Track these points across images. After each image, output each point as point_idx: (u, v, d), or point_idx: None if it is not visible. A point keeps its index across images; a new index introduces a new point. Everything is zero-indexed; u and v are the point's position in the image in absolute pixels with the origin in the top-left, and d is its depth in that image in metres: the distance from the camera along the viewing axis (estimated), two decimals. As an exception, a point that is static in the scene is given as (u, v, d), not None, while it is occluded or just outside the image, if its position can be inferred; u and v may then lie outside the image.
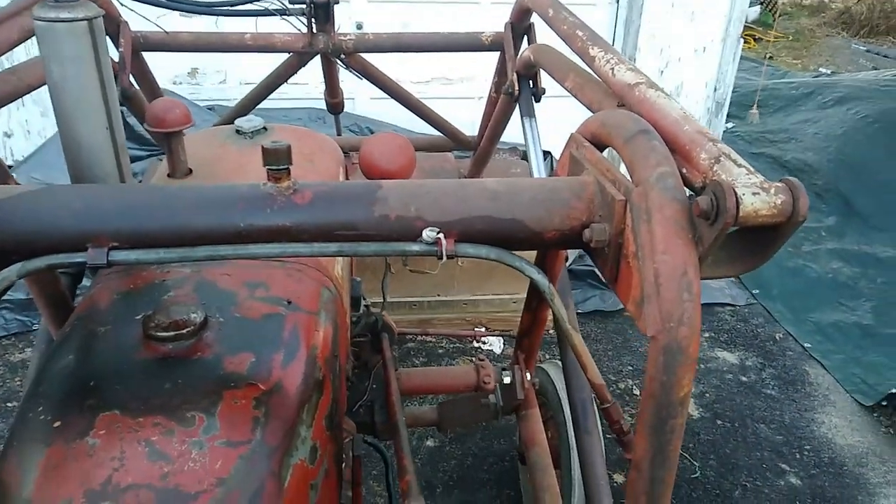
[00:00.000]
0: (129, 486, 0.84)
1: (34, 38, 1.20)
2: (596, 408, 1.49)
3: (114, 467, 0.85)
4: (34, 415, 0.92)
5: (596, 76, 1.38)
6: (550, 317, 1.73)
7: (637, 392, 3.07)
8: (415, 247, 0.98)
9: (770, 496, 2.59)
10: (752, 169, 0.88)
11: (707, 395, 3.10)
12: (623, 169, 1.01)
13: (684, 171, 0.96)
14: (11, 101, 1.46)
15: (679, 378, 0.87)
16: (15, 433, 0.91)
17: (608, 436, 1.58)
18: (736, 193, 0.81)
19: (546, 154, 3.44)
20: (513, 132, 2.54)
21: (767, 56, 7.49)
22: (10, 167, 3.94)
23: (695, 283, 0.86)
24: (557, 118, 2.70)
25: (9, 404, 2.80)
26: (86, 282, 1.48)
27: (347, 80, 2.77)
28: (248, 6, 2.21)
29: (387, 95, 2.64)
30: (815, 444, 2.87)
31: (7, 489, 0.85)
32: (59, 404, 0.93)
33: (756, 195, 0.82)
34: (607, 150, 1.11)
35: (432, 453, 2.69)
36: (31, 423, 0.91)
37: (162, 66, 2.65)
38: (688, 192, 0.93)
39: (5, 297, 3.17)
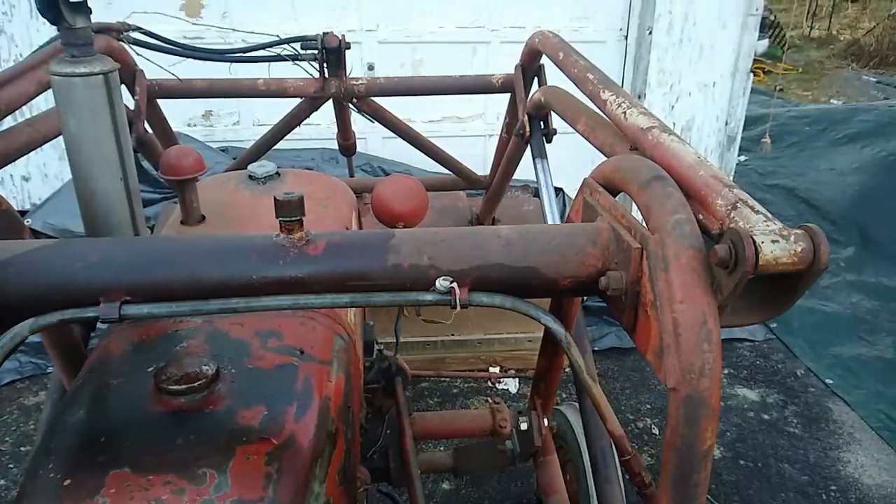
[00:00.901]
0: None
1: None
2: (616, 456, 1.46)
3: None
4: (44, 472, 0.91)
5: (608, 119, 1.37)
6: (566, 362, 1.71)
7: (656, 431, 3.00)
8: (428, 296, 0.97)
9: (797, 540, 2.52)
10: (769, 215, 0.87)
11: (728, 433, 3.02)
12: (636, 213, 1.00)
13: (700, 217, 0.95)
14: (29, 152, 1.48)
15: (702, 430, 0.85)
16: (25, 491, 0.89)
17: (626, 477, 1.54)
18: (754, 241, 0.80)
19: (558, 191, 3.45)
20: (525, 169, 2.54)
21: (777, 88, 7.52)
22: (27, 211, 3.99)
23: (714, 332, 0.84)
24: (570, 154, 2.70)
25: (22, 448, 2.79)
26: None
27: (359, 120, 2.80)
28: (261, 53, 2.24)
29: (398, 137, 2.66)
30: (841, 484, 2.78)
31: None
32: (69, 461, 0.92)
33: (775, 243, 0.81)
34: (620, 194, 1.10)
35: (448, 496, 2.63)
36: (41, 480, 0.90)
37: (176, 109, 2.69)
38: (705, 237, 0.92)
39: (21, 341, 3.19)
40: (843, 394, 3.30)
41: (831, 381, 3.39)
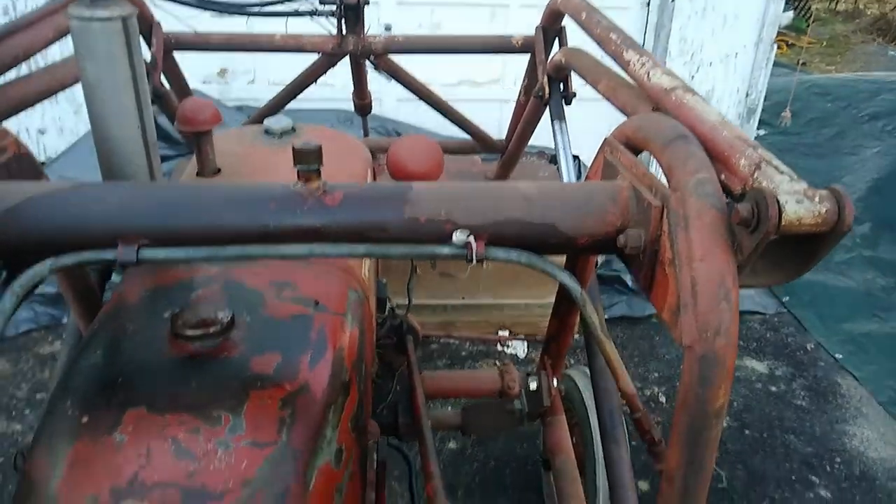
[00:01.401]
0: (155, 484, 0.84)
1: (68, 39, 1.21)
2: (623, 416, 1.47)
3: (140, 464, 0.85)
4: (62, 409, 0.92)
5: (630, 80, 1.35)
6: (578, 322, 1.71)
7: (663, 399, 3.02)
8: (444, 249, 0.97)
9: (799, 509, 2.54)
10: (794, 175, 0.86)
11: (735, 403, 3.04)
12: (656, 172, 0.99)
13: (723, 177, 0.94)
14: (45, 98, 1.47)
15: (715, 389, 0.85)
16: (43, 428, 0.91)
17: (632, 442, 1.55)
18: (778, 201, 0.79)
19: (574, 158, 3.41)
20: (540, 136, 2.52)
21: (800, 62, 7.36)
22: (42, 164, 4.01)
23: (733, 292, 0.84)
24: (585, 123, 2.67)
25: (38, 395, 2.85)
26: (115, 278, 1.50)
27: (375, 82, 2.77)
28: (279, 7, 2.22)
29: (414, 97, 2.63)
30: (846, 456, 2.80)
31: (34, 483, 0.85)
32: (86, 400, 0.93)
33: (799, 203, 0.80)
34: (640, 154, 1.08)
35: (454, 456, 2.67)
36: (58, 417, 0.91)
37: (192, 66, 2.68)
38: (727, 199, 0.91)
39: (36, 291, 3.22)
40: (853, 369, 3.31)
41: (841, 356, 3.39)
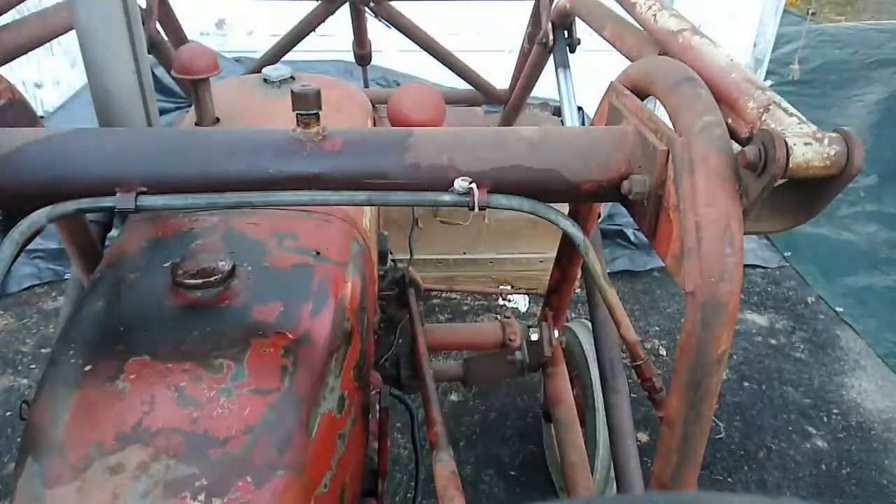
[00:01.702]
0: (159, 430, 0.84)
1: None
2: (623, 366, 1.48)
3: (144, 411, 0.86)
4: (65, 358, 0.93)
5: (636, 24, 1.32)
6: (579, 275, 1.70)
7: (664, 352, 3.04)
8: (446, 197, 0.96)
9: (795, 458, 2.57)
10: (803, 118, 0.84)
11: (735, 356, 3.06)
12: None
13: (730, 121, 0.92)
14: (39, 45, 1.44)
15: (717, 335, 0.84)
16: (46, 376, 0.92)
17: (632, 394, 1.56)
18: (786, 143, 0.77)
19: (578, 109, 3.37)
20: (543, 87, 2.47)
21: (810, 12, 7.19)
22: (41, 118, 3.98)
23: (738, 237, 0.83)
24: (590, 74, 2.62)
25: (42, 350, 2.87)
26: (114, 232, 1.49)
27: (375, 31, 2.71)
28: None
29: (415, 47, 2.58)
30: (843, 407, 2.83)
31: (39, 431, 0.86)
32: (89, 348, 0.94)
33: (808, 145, 0.78)
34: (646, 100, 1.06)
35: (456, 408, 2.70)
36: (62, 366, 0.92)
37: (189, 17, 2.62)
38: (734, 144, 0.89)
39: (38, 247, 3.23)
40: (853, 322, 3.32)
41: (841, 310, 3.40)
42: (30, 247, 1.05)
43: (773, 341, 3.18)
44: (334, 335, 1.02)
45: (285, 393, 0.91)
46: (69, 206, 0.92)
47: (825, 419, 2.77)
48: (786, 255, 3.78)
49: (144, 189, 0.93)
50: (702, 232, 0.83)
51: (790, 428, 2.71)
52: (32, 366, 2.79)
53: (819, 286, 3.56)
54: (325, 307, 1.05)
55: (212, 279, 1.02)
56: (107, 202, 0.92)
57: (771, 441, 2.64)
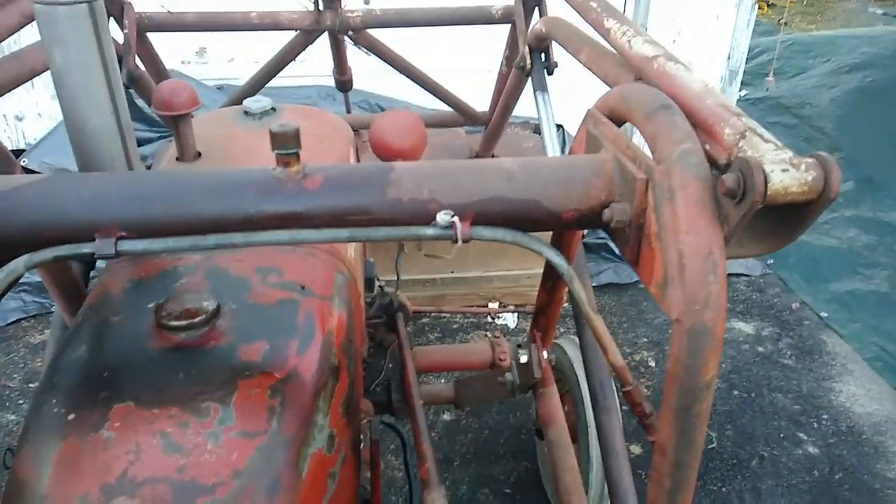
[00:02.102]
0: (145, 480, 0.83)
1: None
2: (615, 385, 1.48)
3: (129, 461, 0.85)
4: (48, 407, 0.91)
5: (612, 49, 1.33)
6: (566, 293, 1.71)
7: (653, 364, 3.05)
8: (429, 231, 0.96)
9: (788, 465, 2.58)
10: (780, 144, 0.85)
11: (723, 365, 3.07)
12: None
13: (708, 147, 0.93)
14: (15, 87, 1.44)
15: (705, 361, 0.85)
16: (29, 427, 0.90)
17: (624, 407, 1.56)
18: (764, 171, 0.78)
19: (558, 127, 3.39)
20: (524, 106, 2.49)
21: (782, 22, 7.31)
22: (21, 151, 3.93)
23: (720, 264, 0.84)
24: (569, 91, 2.64)
25: (30, 385, 2.84)
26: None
27: (356, 56, 2.72)
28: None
29: (396, 71, 2.59)
30: (832, 412, 2.84)
31: (23, 484, 0.84)
32: (72, 397, 0.92)
33: (785, 172, 0.79)
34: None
35: (449, 427, 2.69)
36: (45, 416, 0.90)
37: (169, 46, 2.62)
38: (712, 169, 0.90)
39: (24, 280, 3.19)
40: (838, 327, 3.35)
41: (826, 315, 3.43)
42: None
43: (761, 349, 3.20)
44: (322, 372, 1.02)
45: (273, 435, 0.90)
46: (48, 253, 0.91)
47: (815, 425, 2.78)
48: (769, 262, 3.81)
49: (124, 234, 0.92)
50: (684, 260, 0.83)
51: (781, 435, 2.72)
52: (20, 401, 2.75)
53: (803, 292, 3.60)
54: (312, 344, 1.04)
55: (196, 320, 1.01)
56: (86, 248, 0.91)
57: (763, 449, 2.65)
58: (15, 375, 2.89)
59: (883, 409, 2.87)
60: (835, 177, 0.79)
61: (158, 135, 3.54)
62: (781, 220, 0.87)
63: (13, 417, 2.67)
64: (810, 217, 0.83)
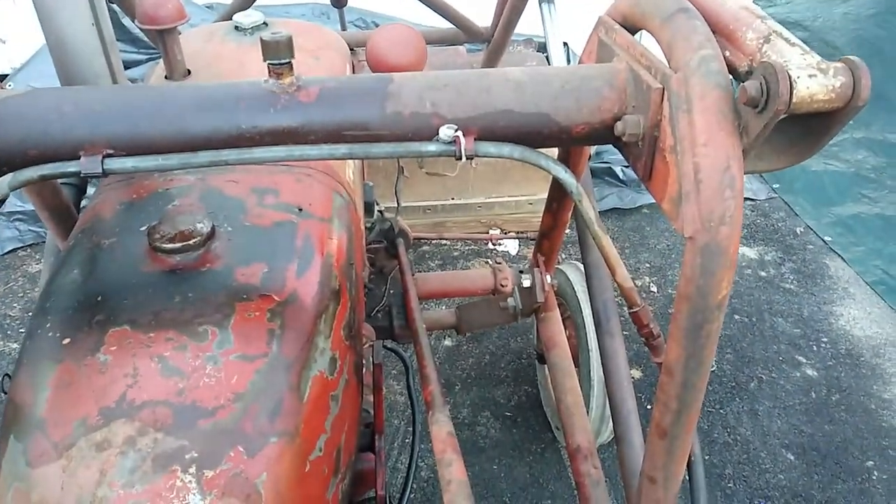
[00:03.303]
0: (144, 403, 0.82)
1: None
2: (617, 308, 1.46)
3: (127, 384, 0.83)
4: (42, 332, 0.89)
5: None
6: (570, 217, 1.67)
7: (655, 289, 3.04)
8: (431, 147, 0.91)
9: (785, 387, 2.61)
10: (806, 48, 0.79)
11: (725, 290, 3.07)
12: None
13: (728, 53, 0.87)
14: None
15: (718, 281, 0.82)
16: (24, 352, 0.88)
17: (625, 332, 1.55)
18: (790, 76, 0.73)
19: (563, 45, 3.27)
20: (527, 23, 2.39)
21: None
22: (6, 76, 3.81)
23: (738, 178, 0.79)
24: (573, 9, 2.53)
25: (30, 314, 2.83)
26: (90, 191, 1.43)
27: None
28: None
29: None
30: (832, 336, 2.86)
31: (20, 409, 0.83)
32: (67, 321, 0.90)
33: (812, 77, 0.74)
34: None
35: (450, 352, 2.71)
36: (39, 340, 0.88)
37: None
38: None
39: (17, 209, 3.15)
40: (841, 251, 3.32)
41: (830, 239, 3.40)
42: (9, 209, 1.00)
43: (763, 273, 3.19)
44: (322, 295, 0.99)
45: (274, 358, 0.88)
46: (31, 172, 0.87)
47: (815, 348, 2.80)
48: (774, 186, 3.76)
49: (111, 151, 0.88)
50: (700, 174, 0.79)
51: (780, 358, 2.74)
52: (21, 330, 2.76)
53: (807, 216, 3.56)
54: (311, 266, 1.01)
55: (191, 242, 0.98)
56: (71, 167, 0.87)
57: (762, 372, 2.68)
58: (15, 305, 2.89)
59: (883, 332, 2.88)
60: (864, 83, 0.74)
61: (147, 56, 3.43)
62: (803, 131, 0.83)
63: (15, 346, 2.69)
64: (835, 127, 0.79)
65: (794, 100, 0.73)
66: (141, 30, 1.41)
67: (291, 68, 0.90)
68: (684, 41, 0.84)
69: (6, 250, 3.14)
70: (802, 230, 3.48)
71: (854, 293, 3.09)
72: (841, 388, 2.62)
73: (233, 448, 0.80)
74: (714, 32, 0.87)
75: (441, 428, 1.31)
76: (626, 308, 1.23)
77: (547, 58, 1.92)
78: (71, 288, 0.95)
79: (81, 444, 0.79)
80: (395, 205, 2.04)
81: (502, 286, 2.00)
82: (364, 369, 1.31)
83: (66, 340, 0.87)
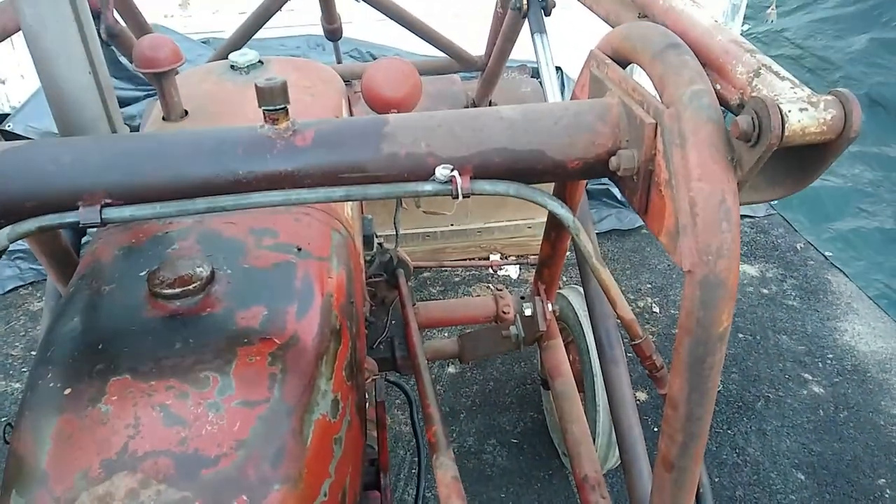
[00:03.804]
0: (146, 454, 0.81)
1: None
2: (620, 335, 1.46)
3: (129, 434, 0.83)
4: (43, 382, 0.89)
5: (612, -16, 1.26)
6: (570, 244, 1.67)
7: (657, 310, 3.04)
8: (427, 187, 0.91)
9: (793, 406, 2.58)
10: (796, 81, 0.80)
11: (728, 309, 3.05)
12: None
13: (719, 87, 0.88)
14: None
15: (718, 313, 0.82)
16: (26, 403, 0.88)
17: (628, 354, 1.55)
18: (781, 110, 0.73)
19: (556, 70, 3.29)
20: (521, 49, 2.41)
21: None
22: (6, 115, 3.84)
23: (733, 211, 0.80)
24: (567, 32, 2.56)
25: (32, 353, 2.82)
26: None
27: (345, 3, 2.63)
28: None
29: (386, 18, 2.50)
30: (837, 352, 2.84)
31: (22, 462, 0.82)
32: (68, 371, 0.90)
33: (803, 111, 0.74)
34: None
35: (454, 379, 2.69)
36: (40, 391, 0.88)
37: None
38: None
39: (18, 248, 3.15)
40: (842, 265, 3.32)
41: (830, 254, 3.40)
42: (10, 248, 1.00)
43: (765, 290, 3.18)
44: (323, 336, 0.99)
45: (275, 403, 0.88)
46: (29, 224, 0.87)
47: (820, 365, 2.78)
48: (772, 202, 3.76)
49: (109, 200, 0.88)
50: (696, 208, 0.79)
51: (786, 376, 2.72)
52: (23, 369, 2.74)
53: (807, 232, 3.56)
54: (311, 307, 1.01)
55: (191, 287, 0.98)
56: (70, 217, 0.87)
57: (768, 390, 2.66)
58: (17, 344, 2.88)
59: (888, 347, 2.87)
60: (856, 115, 0.75)
61: (145, 93, 3.45)
62: (797, 161, 0.83)
63: (17, 385, 2.67)
64: (829, 158, 0.79)
65: (786, 133, 0.74)
66: (138, 73, 1.42)
67: (287, 113, 0.90)
68: (675, 76, 0.85)
69: (7, 289, 3.12)
70: (803, 246, 3.48)
71: (857, 308, 3.08)
72: (849, 405, 2.60)
73: (236, 497, 0.80)
74: (704, 66, 0.88)
75: (446, 472, 1.30)
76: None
77: (541, 86, 1.94)
78: (71, 336, 0.95)
79: (84, 498, 0.78)
80: (395, 234, 2.05)
81: (504, 313, 2.00)
82: (367, 405, 1.30)
83: (68, 391, 0.87)
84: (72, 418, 0.84)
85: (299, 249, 1.10)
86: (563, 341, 2.07)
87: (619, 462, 1.48)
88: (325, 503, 0.90)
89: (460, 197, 0.90)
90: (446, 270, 3.25)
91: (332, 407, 0.96)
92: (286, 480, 0.83)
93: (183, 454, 0.81)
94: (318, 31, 2.86)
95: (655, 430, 2.40)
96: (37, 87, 3.81)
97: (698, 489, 1.09)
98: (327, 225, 1.20)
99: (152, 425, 0.83)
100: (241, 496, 0.80)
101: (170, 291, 0.97)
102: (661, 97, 0.87)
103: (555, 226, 1.57)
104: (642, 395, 2.61)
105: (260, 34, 2.46)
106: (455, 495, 1.25)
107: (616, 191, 3.46)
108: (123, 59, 3.39)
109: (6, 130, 3.33)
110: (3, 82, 4.02)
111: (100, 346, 0.93)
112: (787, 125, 0.74)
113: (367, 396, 1.32)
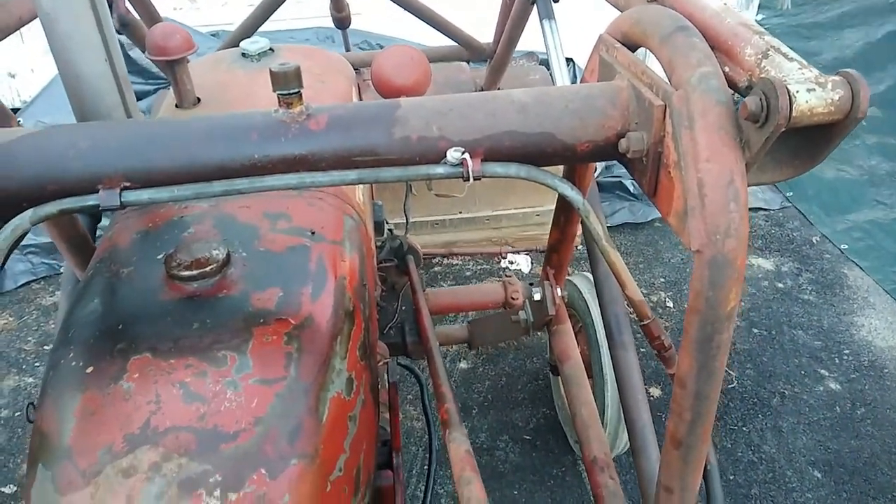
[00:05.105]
0: (168, 429, 0.83)
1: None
2: (629, 321, 1.46)
3: (151, 410, 0.85)
4: (66, 362, 0.91)
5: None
6: (579, 231, 1.68)
7: (671, 304, 3.02)
8: (439, 169, 0.92)
9: (809, 402, 2.55)
10: (804, 63, 0.80)
11: (742, 302, 3.03)
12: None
13: (727, 69, 0.88)
14: (4, 37, 1.39)
15: (726, 293, 0.82)
16: (48, 382, 0.90)
17: (641, 349, 1.55)
18: (789, 91, 0.74)
19: (568, 61, 3.29)
20: (529, 38, 2.40)
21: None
22: (16, 110, 3.88)
23: (742, 191, 0.80)
24: (576, 22, 2.55)
25: (45, 347, 2.85)
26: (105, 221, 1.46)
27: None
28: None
29: (394, 5, 2.50)
30: (854, 347, 2.79)
31: (47, 437, 0.85)
32: (89, 350, 0.92)
33: (811, 91, 0.75)
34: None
35: (466, 375, 2.69)
36: (63, 370, 0.90)
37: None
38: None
39: (30, 242, 3.17)
40: (858, 259, 3.28)
41: (846, 247, 3.36)
42: (22, 243, 1.03)
43: (780, 284, 3.15)
44: (337, 316, 1.01)
45: (292, 381, 0.90)
46: (52, 207, 0.89)
47: (837, 360, 2.74)
48: (787, 195, 3.73)
49: (128, 184, 0.90)
50: (704, 189, 0.80)
51: (802, 372, 2.68)
52: (37, 364, 2.76)
53: (822, 225, 3.51)
54: (326, 289, 1.03)
55: (207, 269, 1.00)
56: (90, 200, 0.89)
57: (784, 387, 2.62)
58: (29, 338, 2.90)
59: (905, 341, 2.83)
60: (863, 96, 0.75)
61: (155, 87, 3.48)
62: (805, 142, 0.84)
63: (31, 380, 2.69)
64: (836, 138, 0.79)
65: (793, 114, 0.74)
66: (151, 61, 1.44)
67: (301, 97, 0.92)
68: (684, 59, 0.85)
69: (20, 283, 3.15)
70: (818, 239, 3.43)
71: (874, 302, 3.03)
72: (866, 402, 2.55)
73: (255, 471, 0.81)
74: (713, 49, 0.88)
75: (459, 446, 1.32)
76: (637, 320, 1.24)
77: (551, 74, 1.93)
78: (92, 318, 0.97)
79: (108, 471, 0.80)
80: (405, 221, 2.06)
81: (513, 299, 2.00)
82: (380, 387, 1.32)
83: (90, 369, 0.89)
84: (95, 395, 0.86)
85: (313, 233, 1.12)
86: (572, 327, 2.07)
87: (628, 447, 1.49)
88: (340, 478, 0.92)
89: (471, 179, 0.91)
90: (457, 265, 3.25)
91: (347, 385, 0.98)
92: (303, 456, 0.85)
93: (203, 429, 0.83)
94: (328, 23, 2.88)
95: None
96: (47, 82, 3.85)
97: (706, 467, 1.10)
98: (340, 209, 1.22)
99: (173, 402, 0.85)
100: (259, 470, 0.82)
101: (187, 273, 0.99)
102: (669, 80, 0.88)
103: (564, 209, 1.58)
104: (656, 391, 2.59)
105: (269, 27, 2.47)
106: (469, 468, 1.26)
107: (629, 184, 3.44)
108: (133, 53, 3.42)
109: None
110: (14, 76, 4.06)
111: (120, 327, 0.95)
112: (794, 106, 0.74)
113: (379, 380, 1.34)
